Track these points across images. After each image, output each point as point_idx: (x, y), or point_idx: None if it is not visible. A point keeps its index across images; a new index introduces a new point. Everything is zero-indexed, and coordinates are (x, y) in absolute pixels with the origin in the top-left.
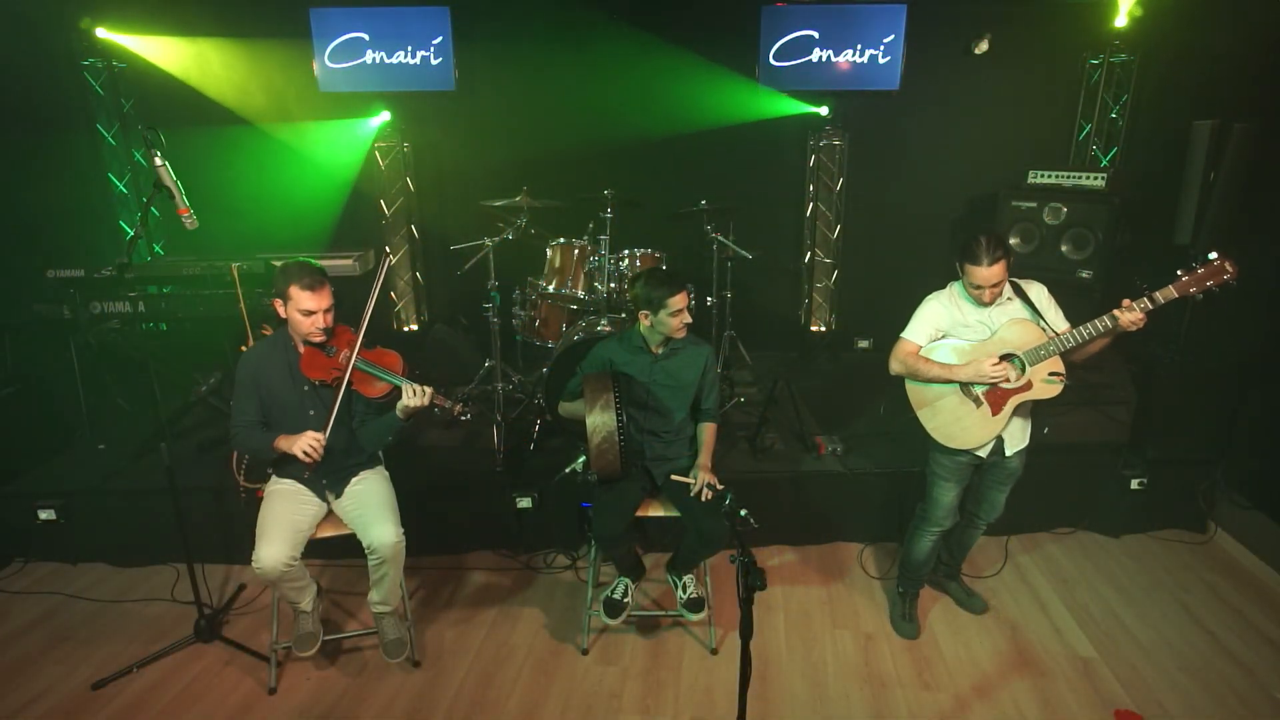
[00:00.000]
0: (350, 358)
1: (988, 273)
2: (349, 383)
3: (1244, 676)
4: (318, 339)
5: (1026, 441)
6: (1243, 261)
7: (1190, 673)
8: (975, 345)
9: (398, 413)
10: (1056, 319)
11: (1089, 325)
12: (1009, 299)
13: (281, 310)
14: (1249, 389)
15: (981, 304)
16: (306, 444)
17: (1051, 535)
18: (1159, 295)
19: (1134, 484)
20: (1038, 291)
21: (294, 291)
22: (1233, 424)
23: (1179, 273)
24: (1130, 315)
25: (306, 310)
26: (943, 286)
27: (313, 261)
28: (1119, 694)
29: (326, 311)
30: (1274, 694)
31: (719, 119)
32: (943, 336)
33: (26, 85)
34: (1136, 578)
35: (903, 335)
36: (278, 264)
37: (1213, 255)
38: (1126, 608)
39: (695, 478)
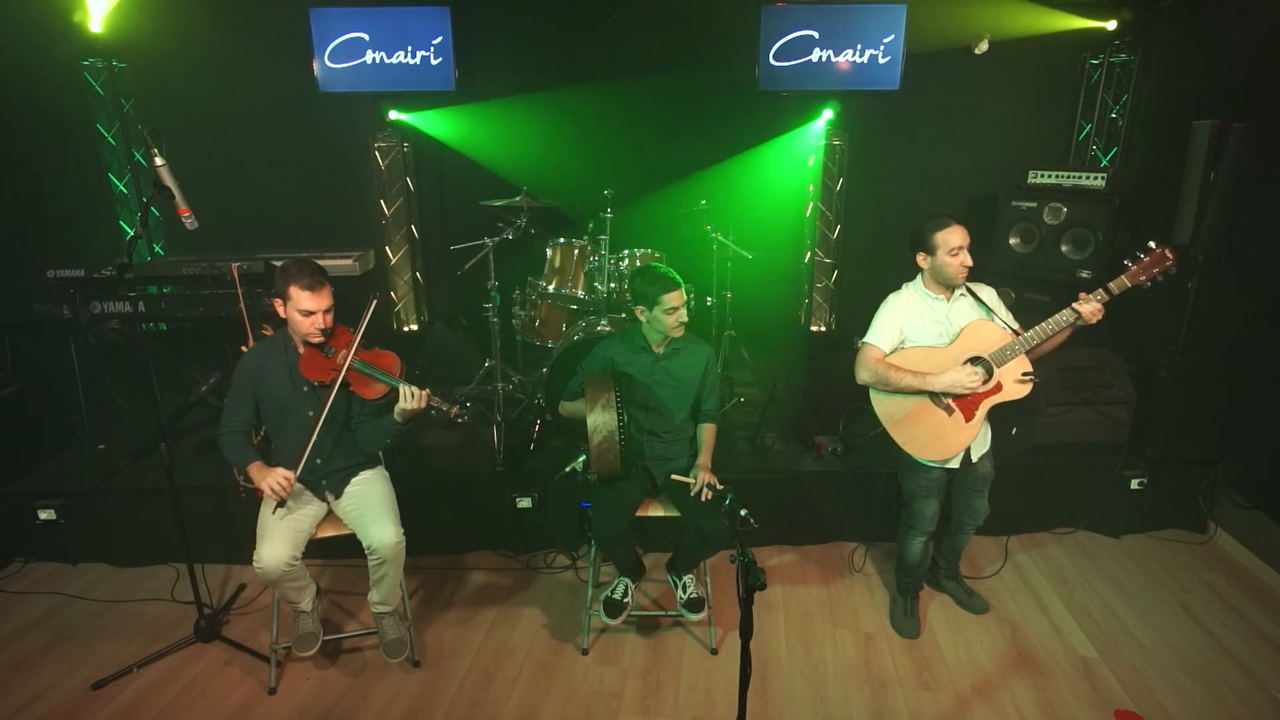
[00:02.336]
0: (347, 358)
1: (961, 231)
2: (344, 384)
3: (1244, 676)
4: (316, 339)
5: (988, 445)
6: (1243, 261)
7: (1190, 673)
8: (939, 350)
9: (395, 415)
10: (1009, 318)
11: (1051, 321)
12: (962, 295)
13: (281, 310)
14: (1248, 389)
15: (953, 282)
16: (274, 481)
17: (1051, 535)
18: (1112, 286)
19: (1134, 484)
20: (989, 294)
21: (293, 291)
22: (1232, 424)
23: (1126, 263)
24: (1089, 307)
25: (306, 310)
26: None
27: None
28: (1119, 694)
29: (326, 312)
30: (1274, 694)
31: (719, 119)
32: (903, 340)
33: (26, 85)
34: (1136, 578)
35: (865, 341)
36: (278, 264)
37: (1151, 243)
38: (1126, 608)
39: (695, 478)
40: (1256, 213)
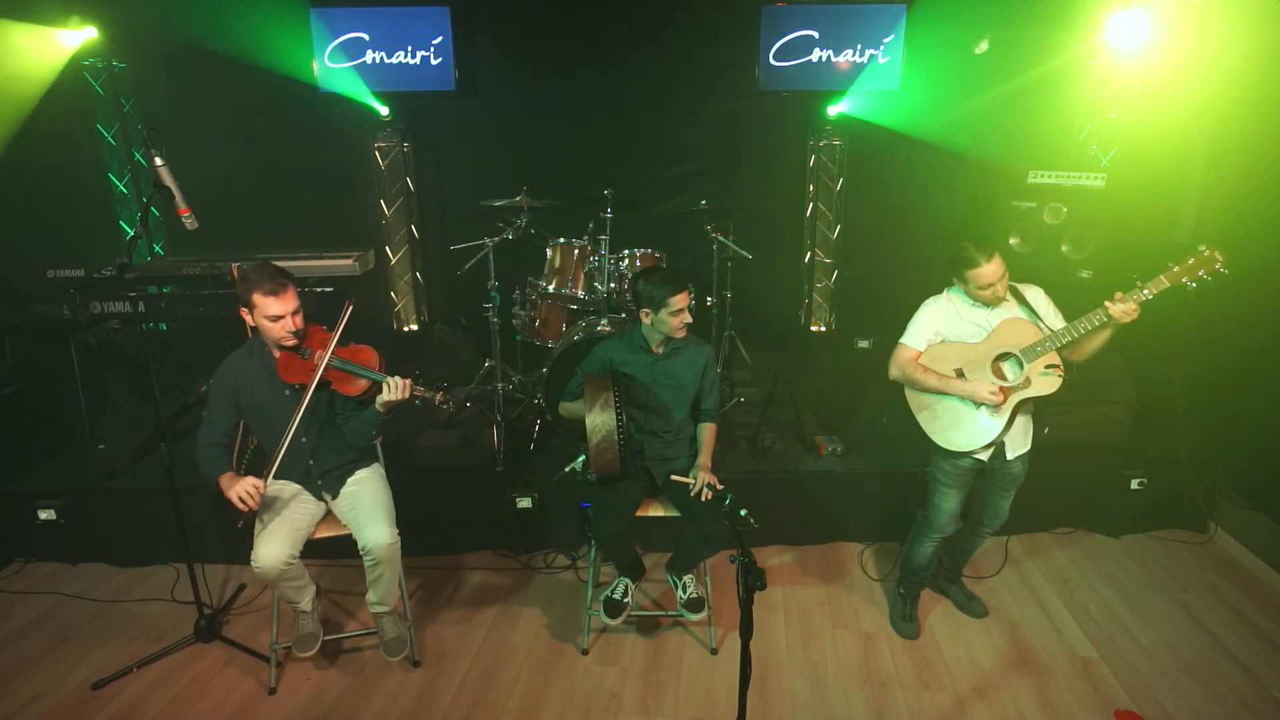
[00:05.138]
0: (324, 358)
1: (991, 268)
2: (322, 383)
3: (1244, 676)
4: (290, 343)
5: (1028, 445)
6: (1242, 261)
7: (1190, 673)
8: (972, 346)
9: (378, 406)
10: (1055, 321)
11: (1083, 320)
12: (1006, 300)
13: (250, 319)
14: (1249, 388)
15: (990, 304)
16: (241, 491)
17: (1051, 535)
18: (1150, 286)
19: (1134, 484)
20: (1034, 294)
21: (258, 299)
22: (1232, 424)
23: (1170, 264)
24: (1122, 306)
25: (273, 316)
26: (939, 290)
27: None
28: (1119, 694)
29: (294, 314)
30: (1274, 694)
31: (719, 119)
32: (941, 341)
33: (26, 85)
34: (1136, 578)
35: (901, 341)
36: (246, 266)
37: (1201, 246)
38: (1126, 608)
39: (695, 478)
40: (1256, 212)
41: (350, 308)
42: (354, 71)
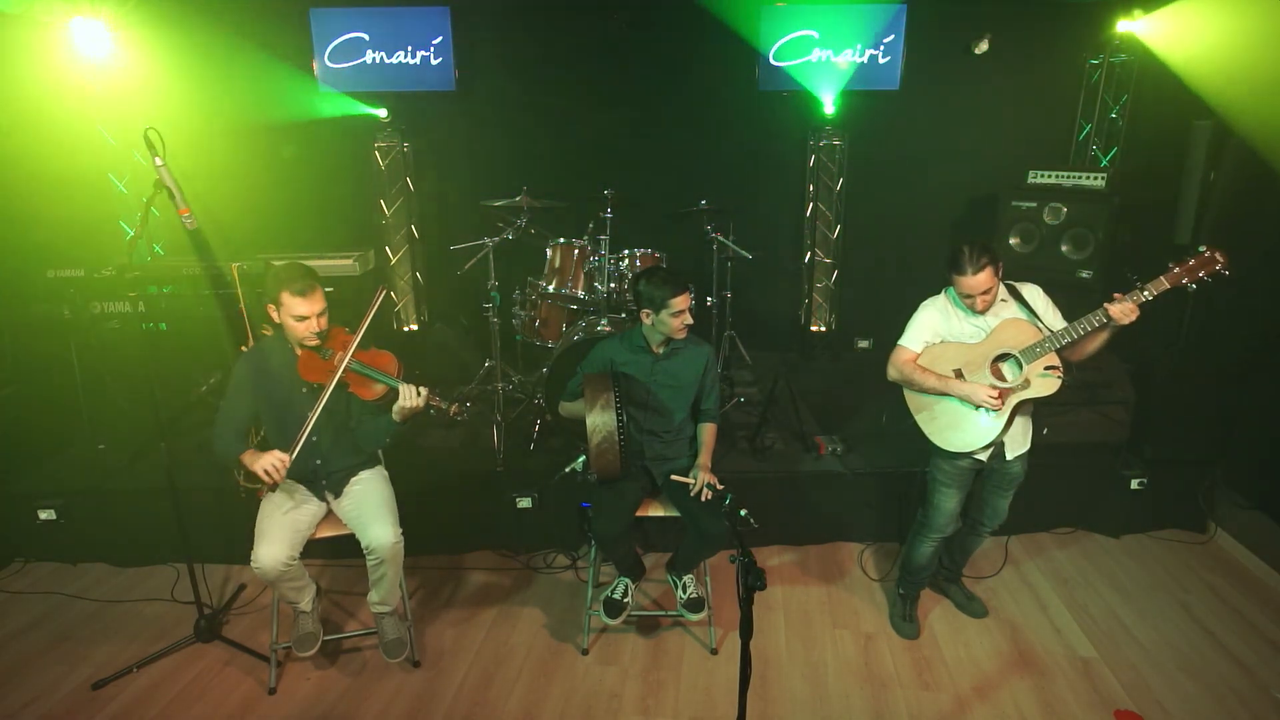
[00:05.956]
0: (344, 360)
1: (974, 281)
2: (339, 385)
3: (1244, 676)
4: (312, 343)
5: (1028, 445)
6: (1241, 261)
7: (1190, 673)
8: (971, 346)
9: (394, 415)
10: (1054, 319)
11: (1082, 321)
12: (1003, 300)
13: (275, 315)
14: (1249, 389)
15: (975, 312)
16: (269, 463)
17: (1051, 535)
18: (1150, 287)
19: (1134, 484)
20: (1032, 292)
21: (285, 298)
22: (1232, 424)
23: (1170, 265)
24: (1121, 307)
25: (299, 316)
26: (939, 290)
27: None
28: (1119, 694)
29: (320, 315)
30: (1274, 694)
31: (719, 119)
32: (940, 341)
33: (27, 84)
34: (1136, 578)
35: (899, 343)
36: (279, 264)
37: (1202, 248)
38: (1126, 608)
39: (695, 478)
40: (1255, 212)
41: (383, 293)
42: (354, 71)
